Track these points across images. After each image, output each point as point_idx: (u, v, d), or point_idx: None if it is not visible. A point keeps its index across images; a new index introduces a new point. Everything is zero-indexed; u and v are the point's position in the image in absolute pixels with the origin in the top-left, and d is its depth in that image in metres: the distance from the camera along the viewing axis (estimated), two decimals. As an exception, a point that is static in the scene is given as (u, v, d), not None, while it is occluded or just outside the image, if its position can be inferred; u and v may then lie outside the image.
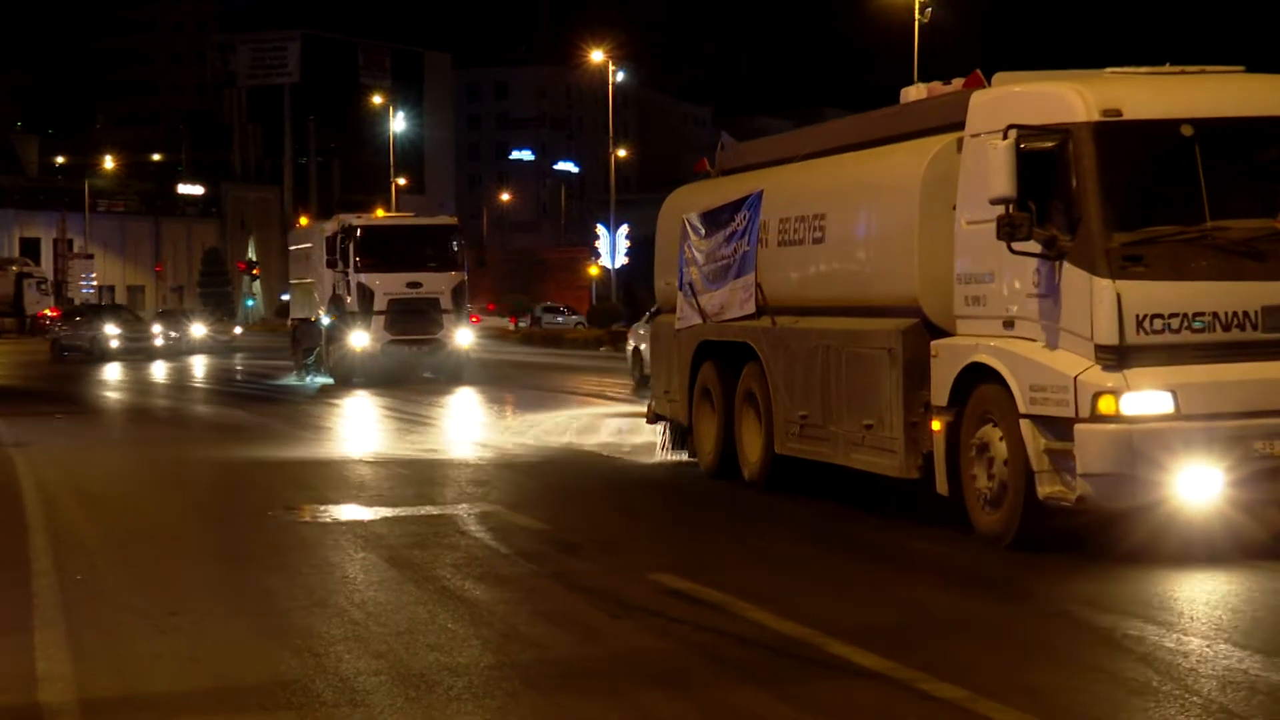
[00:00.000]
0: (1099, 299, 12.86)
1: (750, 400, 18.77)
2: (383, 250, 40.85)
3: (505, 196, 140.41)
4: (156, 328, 71.24)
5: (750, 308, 18.55)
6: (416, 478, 21.39)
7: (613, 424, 28.35)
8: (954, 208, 14.67)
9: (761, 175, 19.28)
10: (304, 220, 53.98)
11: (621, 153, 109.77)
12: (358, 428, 31.69)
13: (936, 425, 14.67)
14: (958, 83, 15.80)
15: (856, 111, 22.12)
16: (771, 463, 18.25)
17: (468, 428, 31.07)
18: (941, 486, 14.70)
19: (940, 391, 14.64)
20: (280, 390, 42.81)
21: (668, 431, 22.07)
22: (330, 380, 41.45)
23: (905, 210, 15.51)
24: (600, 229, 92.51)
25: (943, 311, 14.95)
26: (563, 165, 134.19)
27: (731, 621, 11.42)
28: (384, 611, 12.04)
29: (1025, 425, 13.29)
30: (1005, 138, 13.15)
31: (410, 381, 40.26)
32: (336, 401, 36.38)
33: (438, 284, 40.97)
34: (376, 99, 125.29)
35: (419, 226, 45.18)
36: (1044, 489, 13.15)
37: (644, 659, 10.48)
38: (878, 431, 15.59)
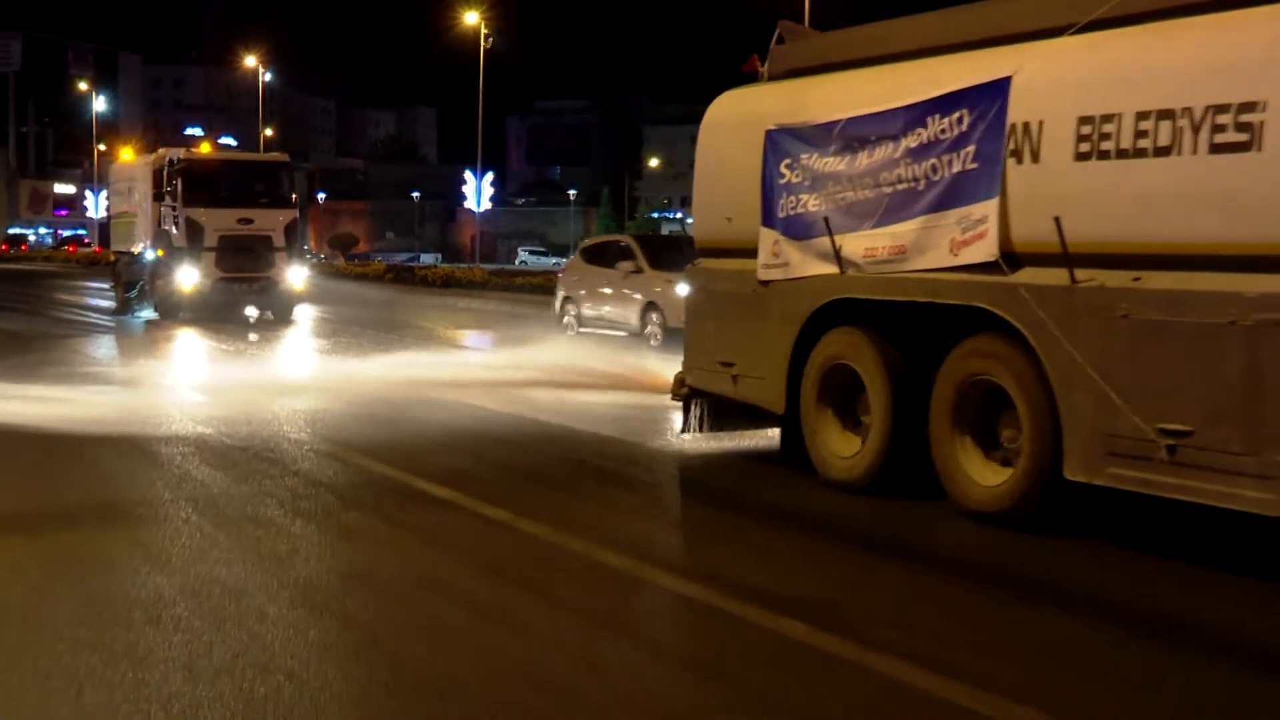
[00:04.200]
0: None
1: (984, 395, 10.03)
2: (212, 185, 32.35)
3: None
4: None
5: (984, 253, 9.76)
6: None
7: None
8: None
9: (969, 59, 10.37)
10: (127, 154, 43.25)
11: (269, 132, 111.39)
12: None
13: None
14: None
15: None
16: (1044, 492, 9.51)
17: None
18: None
19: None
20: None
21: (702, 408, 13.09)
22: (155, 315, 32.94)
23: None
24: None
25: None
26: (224, 140, 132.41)
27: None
28: None
29: None
30: None
31: (240, 319, 31.78)
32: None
33: (270, 221, 32.42)
34: (82, 85, 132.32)
35: (250, 162, 35.84)
36: None
37: None
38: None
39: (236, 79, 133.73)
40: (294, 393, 18.47)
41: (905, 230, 10.45)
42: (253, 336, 28.27)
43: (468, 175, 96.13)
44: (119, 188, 38.50)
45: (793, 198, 11.56)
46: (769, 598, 7.94)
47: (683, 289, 29.71)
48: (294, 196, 33.30)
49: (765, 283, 11.87)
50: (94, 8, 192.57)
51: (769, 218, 11.84)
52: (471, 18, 79.04)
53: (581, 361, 20.64)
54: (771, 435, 12.92)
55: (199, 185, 31.80)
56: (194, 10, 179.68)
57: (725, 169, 12.58)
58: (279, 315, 32.00)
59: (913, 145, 10.40)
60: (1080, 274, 9.12)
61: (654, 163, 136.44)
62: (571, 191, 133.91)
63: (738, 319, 12.27)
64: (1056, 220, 9.06)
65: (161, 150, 34.53)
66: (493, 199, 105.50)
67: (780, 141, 11.73)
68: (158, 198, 32.69)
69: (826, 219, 11.07)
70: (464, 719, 6.18)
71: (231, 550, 9.09)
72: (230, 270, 31.50)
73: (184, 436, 14.01)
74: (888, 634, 7.29)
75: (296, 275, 32.60)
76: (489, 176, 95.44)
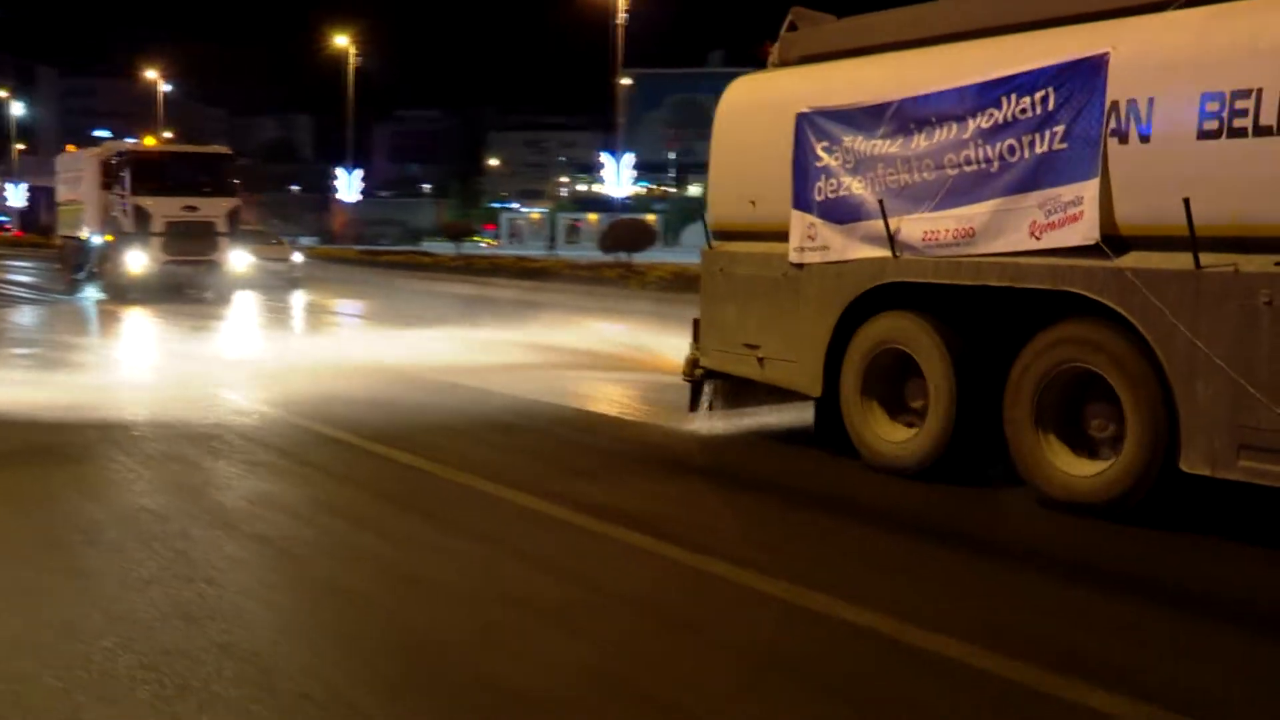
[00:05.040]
0: None
1: (1071, 383, 7.91)
2: (158, 175, 28.59)
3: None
4: None
5: (1080, 236, 7.63)
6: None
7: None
8: None
9: (1039, 38, 8.17)
10: (71, 147, 39.08)
11: (168, 135, 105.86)
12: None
13: None
14: None
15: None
16: (1149, 483, 7.43)
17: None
18: None
19: None
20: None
21: (715, 389, 10.79)
22: (103, 295, 29.01)
23: None
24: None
25: None
26: (130, 141, 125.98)
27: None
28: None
29: None
30: None
31: (186, 299, 27.99)
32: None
33: (214, 208, 28.82)
34: (2, 94, 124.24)
35: (194, 154, 31.06)
36: None
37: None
38: None
39: (141, 90, 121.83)
40: (224, 356, 17.53)
41: (974, 213, 8.28)
42: (196, 312, 24.94)
43: (339, 172, 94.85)
44: (66, 177, 34.48)
45: (833, 180, 9.32)
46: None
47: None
48: (236, 185, 29.77)
49: (799, 266, 9.63)
50: (16, 27, 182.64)
51: (802, 201, 9.58)
52: (342, 40, 78.97)
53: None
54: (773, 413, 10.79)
55: (146, 175, 28.21)
56: (104, 30, 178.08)
57: (746, 153, 10.24)
58: (221, 295, 28.44)
59: (984, 126, 8.22)
60: (1205, 259, 7.10)
61: (494, 162, 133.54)
62: (426, 186, 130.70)
63: (765, 302, 9.95)
64: (1186, 202, 6.95)
65: (107, 143, 30.78)
66: (361, 191, 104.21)
67: (817, 124, 9.46)
68: (106, 186, 28.98)
69: (881, 201, 8.88)
70: (361, 617, 5.90)
71: (154, 483, 8.71)
72: (176, 254, 28.03)
73: (118, 393, 13.15)
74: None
75: (239, 259, 29.23)
76: (358, 173, 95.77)
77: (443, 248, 72.23)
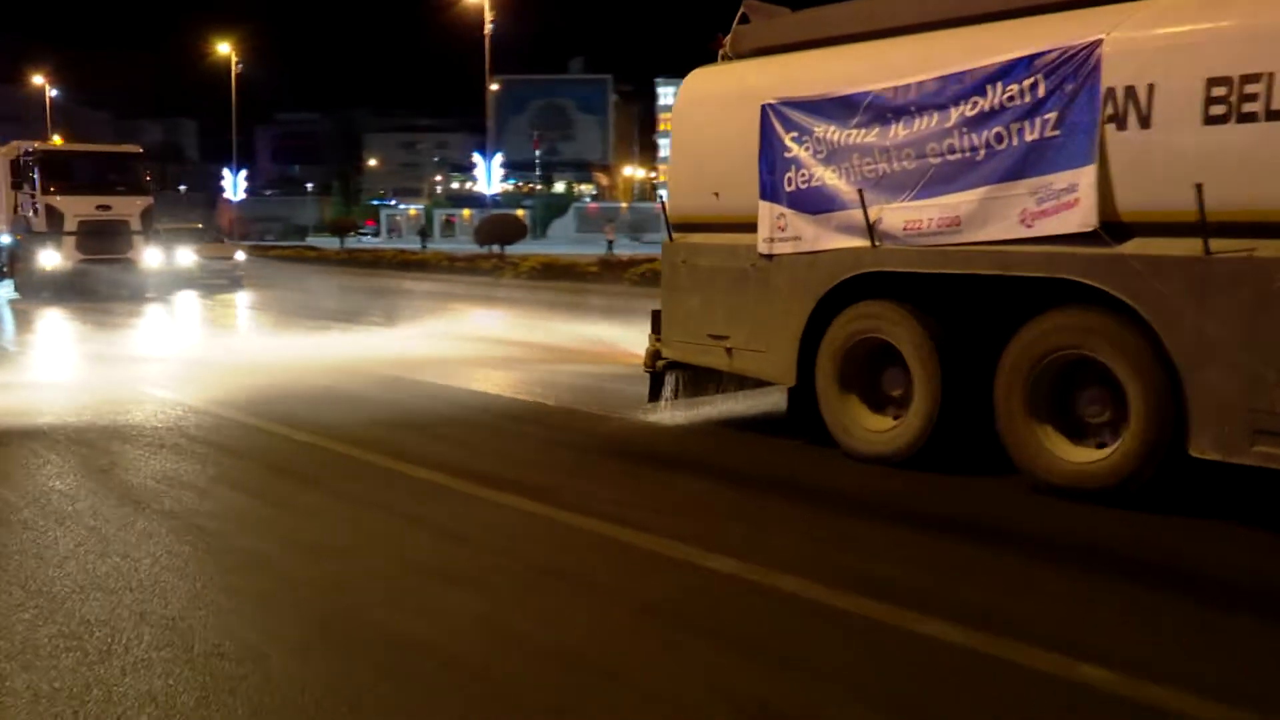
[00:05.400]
0: None
1: (1065, 370, 7.22)
2: (69, 174, 26.31)
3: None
4: None
5: (1076, 223, 6.95)
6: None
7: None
8: None
9: (1020, 26, 7.45)
10: None
11: (56, 139, 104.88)
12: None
13: None
14: None
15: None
16: (1153, 469, 6.79)
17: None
18: None
19: None
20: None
21: (678, 380, 9.93)
22: (16, 295, 26.62)
23: None
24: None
25: None
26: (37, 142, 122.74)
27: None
28: None
29: None
30: None
31: (101, 297, 25.63)
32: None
33: (127, 207, 26.47)
34: None
35: (105, 153, 28.45)
36: None
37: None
38: None
39: (27, 94, 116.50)
40: (130, 349, 16.56)
41: (959, 201, 7.55)
42: (108, 310, 23.14)
43: (225, 172, 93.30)
44: None
45: (804, 171, 8.52)
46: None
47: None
48: (148, 183, 27.54)
49: (768, 256, 8.84)
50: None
51: (771, 192, 8.74)
52: (224, 48, 77.53)
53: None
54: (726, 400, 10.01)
55: (56, 174, 25.98)
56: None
57: (708, 144, 9.34)
58: (136, 293, 26.18)
59: (968, 114, 7.49)
60: (1213, 244, 6.48)
61: (372, 162, 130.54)
62: (309, 185, 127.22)
63: (731, 293, 9.09)
64: (1198, 188, 6.33)
65: (14, 142, 28.06)
66: (246, 190, 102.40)
67: (784, 115, 8.64)
68: (15, 186, 26.65)
69: (861, 191, 8.12)
70: (269, 581, 5.71)
71: (63, 466, 8.28)
72: (90, 252, 25.78)
73: (22, 383, 12.71)
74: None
75: (152, 256, 26.99)
76: (243, 173, 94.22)
77: (328, 242, 70.57)
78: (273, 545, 6.36)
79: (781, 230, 8.67)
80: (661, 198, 10.04)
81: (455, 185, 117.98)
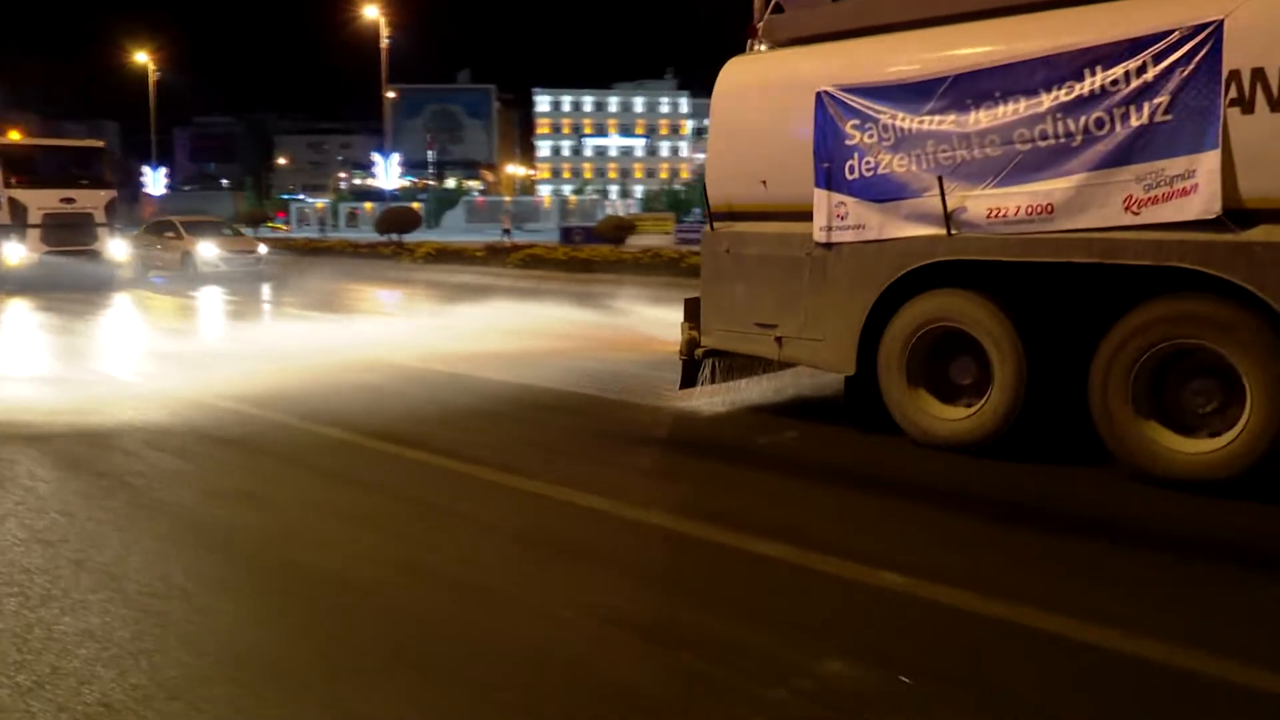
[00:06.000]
0: None
1: (1167, 360, 6.14)
2: (32, 168, 23.44)
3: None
4: None
5: (1196, 210, 5.86)
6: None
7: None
8: None
9: (1161, 3, 6.27)
10: None
11: (14, 133, 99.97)
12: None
13: None
14: None
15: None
16: (1268, 456, 5.75)
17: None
18: None
19: None
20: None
21: (714, 368, 8.60)
22: None
23: None
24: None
25: None
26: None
27: None
28: None
29: None
30: None
31: (66, 289, 22.65)
32: None
33: (92, 200, 23.66)
34: None
35: (67, 147, 25.05)
36: None
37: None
38: None
39: None
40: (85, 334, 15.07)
41: (1053, 188, 6.41)
42: (71, 301, 20.65)
43: (146, 170, 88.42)
44: None
45: (868, 159, 7.28)
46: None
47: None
48: (109, 177, 24.59)
49: (826, 245, 7.60)
50: None
51: (829, 179, 7.50)
52: (142, 56, 74.46)
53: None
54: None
55: (18, 168, 23.10)
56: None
57: (753, 133, 8.00)
58: (102, 284, 23.24)
59: (1064, 99, 6.34)
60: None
61: (282, 161, 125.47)
62: (224, 181, 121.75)
63: (783, 281, 7.80)
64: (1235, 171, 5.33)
65: None
66: (167, 187, 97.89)
67: (844, 102, 7.37)
68: None
69: (940, 179, 6.91)
70: (192, 528, 5.52)
71: None
72: (55, 245, 22.95)
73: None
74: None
75: (117, 248, 24.18)
76: (163, 170, 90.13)
77: (245, 233, 67.65)
78: (193, 497, 6.16)
79: (841, 219, 7.43)
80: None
81: (358, 181, 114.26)
